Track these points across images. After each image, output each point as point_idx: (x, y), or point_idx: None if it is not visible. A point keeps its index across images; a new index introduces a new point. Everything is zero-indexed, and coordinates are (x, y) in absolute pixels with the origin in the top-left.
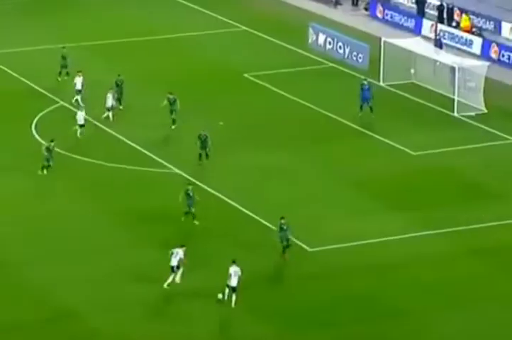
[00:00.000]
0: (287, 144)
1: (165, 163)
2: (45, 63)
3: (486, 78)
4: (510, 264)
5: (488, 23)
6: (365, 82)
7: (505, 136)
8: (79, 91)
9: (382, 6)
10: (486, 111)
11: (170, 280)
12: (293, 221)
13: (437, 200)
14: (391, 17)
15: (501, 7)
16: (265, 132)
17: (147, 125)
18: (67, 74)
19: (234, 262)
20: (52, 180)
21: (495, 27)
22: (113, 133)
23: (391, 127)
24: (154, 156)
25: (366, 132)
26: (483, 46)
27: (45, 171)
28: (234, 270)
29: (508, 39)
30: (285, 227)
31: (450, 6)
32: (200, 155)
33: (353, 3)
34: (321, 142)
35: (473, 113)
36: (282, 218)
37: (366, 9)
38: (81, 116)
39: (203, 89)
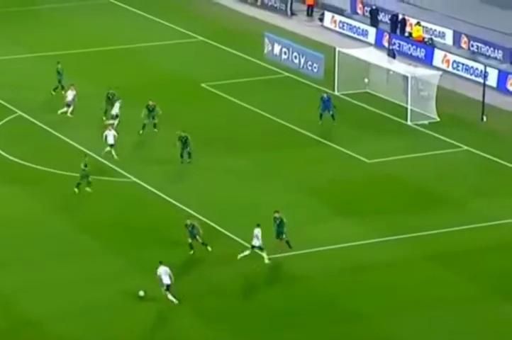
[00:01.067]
0: (244, 153)
1: (124, 173)
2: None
3: (439, 87)
4: (465, 268)
5: (439, 32)
6: (325, 95)
7: (457, 144)
8: (68, 105)
9: (336, 16)
10: (438, 120)
11: (266, 256)
12: (250, 228)
13: (392, 207)
14: (345, 27)
15: (451, 17)
16: (222, 141)
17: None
18: (62, 88)
19: (161, 263)
20: (13, 189)
21: (446, 37)
22: (71, 142)
23: (345, 136)
24: (113, 166)
25: (322, 140)
26: (435, 55)
27: (75, 189)
28: (164, 270)
29: (459, 48)
30: (278, 222)
31: (403, 17)
32: (182, 155)
33: (308, 14)
34: (277, 151)
35: (426, 122)
36: (276, 212)
37: (320, 19)
38: (110, 136)
39: (161, 99)
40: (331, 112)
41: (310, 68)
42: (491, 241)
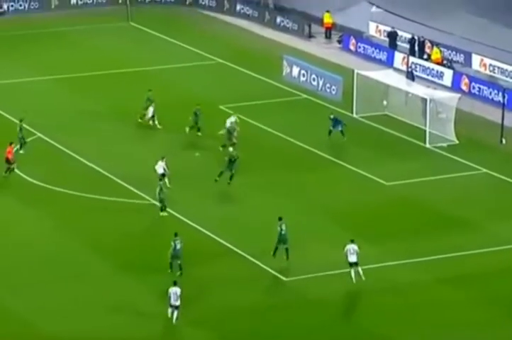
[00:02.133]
0: (261, 175)
1: (141, 194)
2: (18, 96)
3: (457, 110)
4: (480, 293)
5: (458, 55)
6: (331, 116)
7: (476, 166)
8: (151, 118)
9: (355, 38)
10: (457, 142)
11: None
12: (265, 250)
13: (410, 230)
14: (364, 49)
15: (470, 39)
16: (240, 163)
17: (122, 155)
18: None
19: (175, 284)
20: (31, 211)
21: (465, 59)
22: (88, 163)
23: (364, 158)
24: (129, 187)
25: (340, 162)
26: (454, 78)
27: (164, 213)
28: (174, 292)
29: (478, 71)
30: (279, 229)
31: (421, 39)
32: (221, 173)
33: (326, 36)
34: (295, 173)
35: (445, 144)
36: (280, 219)
37: (339, 42)
38: (160, 167)
39: (179, 121)
40: (340, 129)
41: (328, 90)
42: (508, 265)
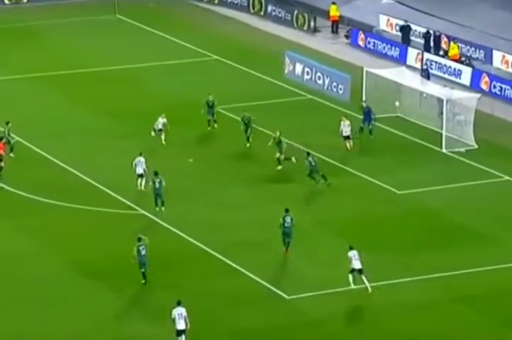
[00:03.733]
0: (262, 185)
1: (130, 204)
2: None
3: (477, 111)
4: (496, 311)
5: (478, 51)
6: (364, 104)
7: (497, 173)
8: (159, 130)
9: (364, 33)
10: (476, 147)
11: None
12: (269, 266)
13: (421, 244)
14: (374, 45)
15: (490, 34)
16: (240, 173)
17: (111, 163)
18: (215, 122)
19: (179, 304)
20: (14, 223)
21: (485, 56)
22: (77, 173)
23: (374, 164)
24: (119, 197)
25: (347, 168)
26: (473, 76)
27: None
28: (178, 313)
29: (499, 69)
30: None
31: (437, 34)
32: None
33: (333, 31)
34: (299, 181)
35: (463, 149)
36: (287, 211)
37: (347, 37)
38: (140, 162)
39: (173, 123)
40: (370, 127)
41: (335, 89)
42: None
